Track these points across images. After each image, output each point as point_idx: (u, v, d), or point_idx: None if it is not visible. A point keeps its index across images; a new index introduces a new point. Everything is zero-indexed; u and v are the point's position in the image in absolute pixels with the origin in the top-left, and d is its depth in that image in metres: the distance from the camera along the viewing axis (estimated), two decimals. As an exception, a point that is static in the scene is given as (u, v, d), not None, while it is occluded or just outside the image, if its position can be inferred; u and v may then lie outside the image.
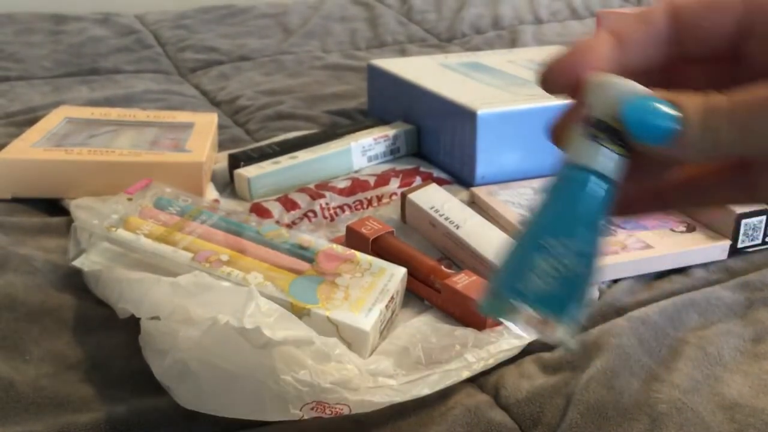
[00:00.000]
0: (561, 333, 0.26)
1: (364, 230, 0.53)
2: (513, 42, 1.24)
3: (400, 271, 0.48)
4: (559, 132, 0.28)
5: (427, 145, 0.74)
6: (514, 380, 0.43)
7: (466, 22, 1.34)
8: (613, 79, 0.26)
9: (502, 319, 0.28)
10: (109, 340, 0.46)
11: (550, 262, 0.26)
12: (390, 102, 0.79)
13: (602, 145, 0.26)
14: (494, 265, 0.27)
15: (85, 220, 0.49)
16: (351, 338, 0.42)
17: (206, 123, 0.73)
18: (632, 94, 0.25)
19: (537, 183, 0.63)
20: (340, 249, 0.49)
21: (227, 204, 0.64)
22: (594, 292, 0.51)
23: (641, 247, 0.54)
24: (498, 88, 0.71)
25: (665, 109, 0.25)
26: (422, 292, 0.49)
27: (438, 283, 0.48)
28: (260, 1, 1.48)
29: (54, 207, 0.63)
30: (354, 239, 0.53)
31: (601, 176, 0.26)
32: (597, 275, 0.27)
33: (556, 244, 0.26)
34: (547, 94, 0.27)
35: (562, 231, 0.26)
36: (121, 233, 0.48)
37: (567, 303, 0.26)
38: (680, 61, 0.28)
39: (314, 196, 0.62)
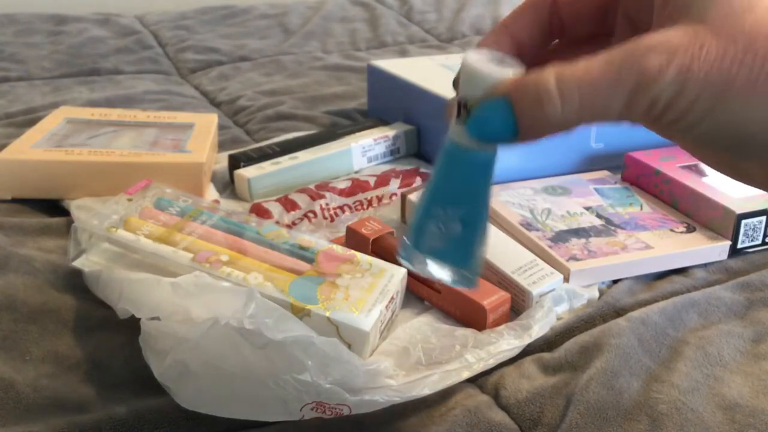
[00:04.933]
0: (457, 278, 0.32)
1: (364, 231, 0.53)
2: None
3: (401, 272, 0.48)
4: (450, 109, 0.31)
5: (427, 145, 0.74)
6: (515, 381, 0.43)
7: (467, 22, 1.34)
8: (471, 64, 0.28)
9: (413, 269, 0.32)
10: (109, 340, 0.46)
11: (436, 225, 0.31)
12: (390, 102, 0.79)
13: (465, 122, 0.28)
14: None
15: (85, 221, 0.49)
16: (351, 338, 0.42)
17: (206, 123, 0.73)
18: (480, 89, 0.27)
19: (537, 183, 0.63)
20: (340, 249, 0.49)
21: (227, 204, 0.64)
22: (594, 293, 0.51)
23: (641, 247, 0.54)
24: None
25: (500, 116, 0.26)
26: (422, 292, 0.49)
27: (438, 283, 0.48)
28: (260, 2, 1.48)
29: (54, 208, 0.63)
30: (354, 240, 0.53)
31: (471, 149, 0.28)
32: (485, 231, 0.31)
33: (439, 211, 0.30)
34: None
35: (446, 199, 0.30)
36: (122, 234, 0.48)
37: (458, 256, 0.31)
38: (567, 42, 0.32)
39: (314, 196, 0.62)
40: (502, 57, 0.28)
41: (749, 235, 0.56)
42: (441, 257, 0.31)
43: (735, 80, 0.25)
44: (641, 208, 0.60)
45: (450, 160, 0.30)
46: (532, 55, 0.32)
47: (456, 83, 0.30)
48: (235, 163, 0.67)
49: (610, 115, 0.26)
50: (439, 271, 0.32)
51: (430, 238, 0.31)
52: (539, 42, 0.32)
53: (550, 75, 0.26)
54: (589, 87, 0.25)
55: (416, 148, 0.75)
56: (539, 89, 0.26)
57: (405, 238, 0.32)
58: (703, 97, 0.25)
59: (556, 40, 0.33)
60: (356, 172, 0.70)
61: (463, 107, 0.28)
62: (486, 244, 0.32)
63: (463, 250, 0.31)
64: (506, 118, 0.26)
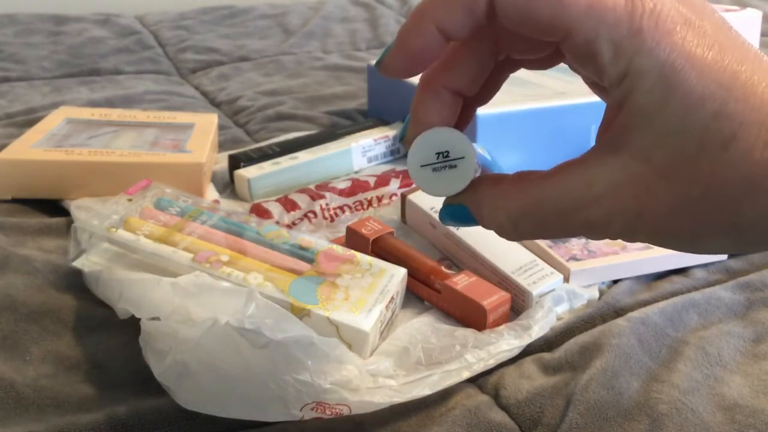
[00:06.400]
0: None
1: (364, 231, 0.53)
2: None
3: (401, 272, 0.48)
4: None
5: (427, 145, 0.74)
6: (515, 381, 0.43)
7: (466, 22, 1.34)
8: (424, 187, 0.29)
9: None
10: (109, 340, 0.46)
11: None
12: (390, 102, 0.79)
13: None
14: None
15: (85, 221, 0.49)
16: (351, 339, 0.42)
17: (206, 124, 0.73)
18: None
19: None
20: (340, 249, 0.49)
21: (227, 204, 0.64)
22: (594, 293, 0.51)
23: (641, 247, 0.54)
24: (498, 89, 0.71)
25: (463, 217, 0.30)
26: (422, 292, 0.49)
27: (438, 283, 0.48)
28: (260, 2, 1.48)
29: (54, 208, 0.63)
30: (354, 240, 0.53)
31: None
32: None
33: None
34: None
35: None
36: (122, 234, 0.48)
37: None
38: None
39: (314, 196, 0.62)
40: (441, 137, 0.29)
41: (749, 235, 0.56)
42: None
43: (687, 231, 0.25)
44: (641, 208, 0.60)
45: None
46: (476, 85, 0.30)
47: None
48: (235, 163, 0.67)
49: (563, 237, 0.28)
50: None
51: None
52: (481, 77, 0.30)
53: (500, 215, 0.28)
54: (540, 225, 0.27)
55: (416, 148, 0.75)
56: (493, 223, 0.28)
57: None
58: (651, 239, 0.26)
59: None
60: (356, 172, 0.70)
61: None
62: None
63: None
64: (469, 215, 0.29)
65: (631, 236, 0.26)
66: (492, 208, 0.28)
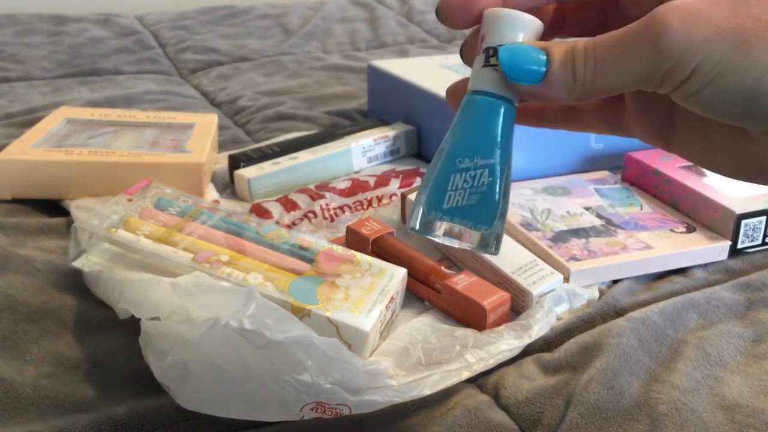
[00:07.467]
0: (479, 241, 0.30)
1: (364, 231, 0.53)
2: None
3: (400, 272, 0.48)
4: (455, 93, 0.32)
5: (427, 145, 0.74)
6: (515, 381, 0.43)
7: (466, 22, 1.34)
8: (502, 12, 0.29)
9: (428, 236, 0.31)
10: (109, 340, 0.46)
11: (465, 179, 0.30)
12: (390, 103, 0.79)
13: (496, 70, 0.29)
14: (419, 188, 0.31)
15: (85, 221, 0.49)
16: (351, 339, 0.42)
17: (206, 124, 0.73)
18: (510, 39, 0.29)
19: (537, 183, 0.63)
20: (340, 249, 0.49)
21: (227, 205, 0.64)
22: (594, 293, 0.51)
23: (641, 247, 0.54)
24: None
25: (534, 54, 0.28)
26: (422, 292, 0.49)
27: (438, 283, 0.48)
28: (260, 2, 1.48)
29: (54, 208, 0.63)
30: (354, 240, 0.53)
31: (498, 97, 0.29)
32: (509, 188, 0.30)
33: (468, 163, 0.30)
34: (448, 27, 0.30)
35: (472, 150, 0.30)
36: (122, 234, 0.48)
37: (482, 214, 0.30)
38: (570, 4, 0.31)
39: (314, 196, 0.62)
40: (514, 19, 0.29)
41: (749, 235, 0.56)
42: (465, 216, 0.30)
43: (750, 37, 0.25)
44: (641, 209, 0.60)
45: (476, 109, 0.30)
46: None
47: (465, 44, 0.31)
48: (235, 163, 0.67)
49: (635, 75, 0.26)
50: (461, 234, 0.30)
51: (454, 196, 0.30)
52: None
53: (584, 40, 0.27)
54: (607, 51, 0.26)
55: (416, 148, 0.75)
56: (574, 45, 0.27)
57: (417, 206, 0.31)
58: (715, 53, 0.25)
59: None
60: (356, 173, 0.70)
61: (493, 52, 0.29)
62: (508, 201, 0.31)
63: (490, 205, 0.30)
64: (539, 64, 0.28)
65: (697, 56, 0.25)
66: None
